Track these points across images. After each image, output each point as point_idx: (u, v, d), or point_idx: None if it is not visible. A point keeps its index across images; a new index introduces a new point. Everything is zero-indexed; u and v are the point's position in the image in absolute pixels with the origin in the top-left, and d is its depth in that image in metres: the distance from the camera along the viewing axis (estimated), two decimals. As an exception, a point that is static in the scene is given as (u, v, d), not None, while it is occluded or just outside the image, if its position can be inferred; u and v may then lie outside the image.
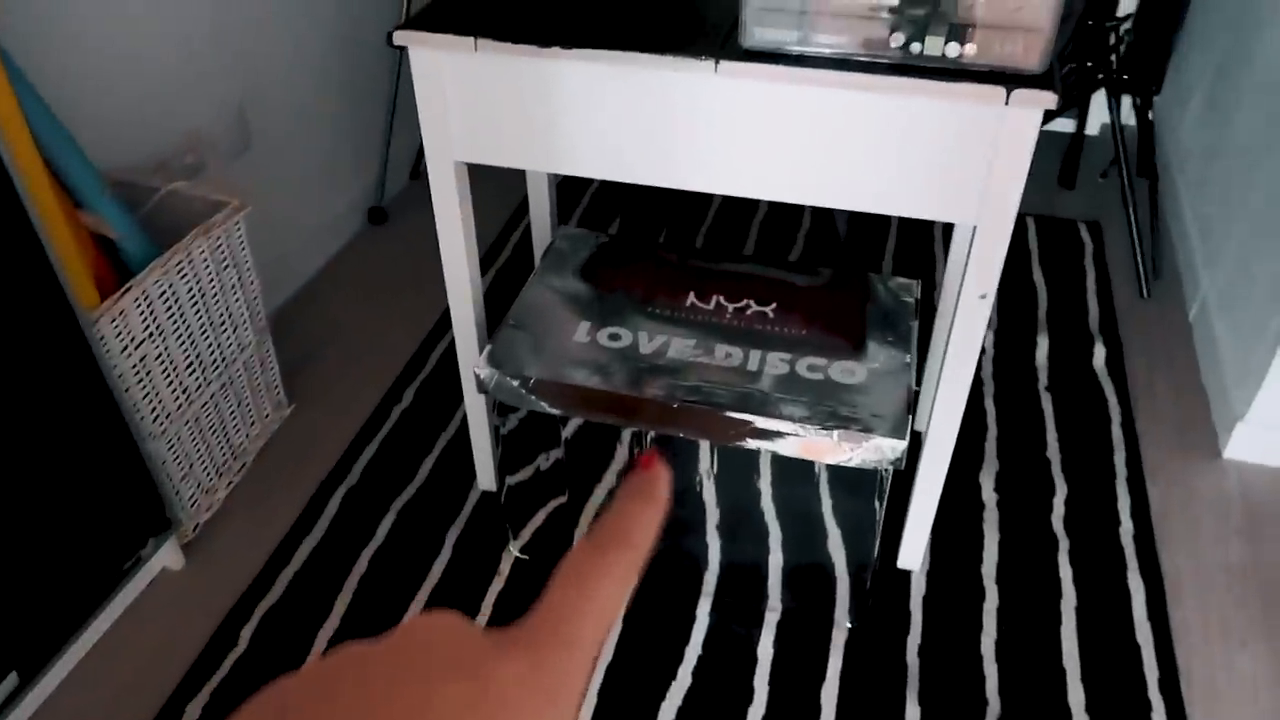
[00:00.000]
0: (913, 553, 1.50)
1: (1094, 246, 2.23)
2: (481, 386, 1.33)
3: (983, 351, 1.93)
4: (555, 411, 1.32)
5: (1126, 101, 2.17)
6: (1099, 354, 1.92)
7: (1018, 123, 1.04)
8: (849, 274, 1.51)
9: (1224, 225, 1.94)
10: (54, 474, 1.27)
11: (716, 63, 1.07)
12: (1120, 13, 2.09)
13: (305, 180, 2.10)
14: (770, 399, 1.26)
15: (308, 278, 2.16)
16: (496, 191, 2.46)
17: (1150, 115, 2.03)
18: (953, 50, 1.03)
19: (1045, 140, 2.52)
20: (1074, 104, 2.14)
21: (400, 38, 1.15)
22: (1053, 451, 1.72)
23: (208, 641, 1.41)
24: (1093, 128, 2.58)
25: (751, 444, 1.26)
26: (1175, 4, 2.35)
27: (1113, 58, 1.99)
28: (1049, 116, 2.14)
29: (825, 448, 1.23)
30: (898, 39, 1.04)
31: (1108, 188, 2.43)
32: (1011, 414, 1.79)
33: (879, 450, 1.21)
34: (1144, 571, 1.50)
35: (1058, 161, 2.49)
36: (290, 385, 1.86)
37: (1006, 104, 1.02)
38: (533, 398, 1.31)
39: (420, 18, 1.17)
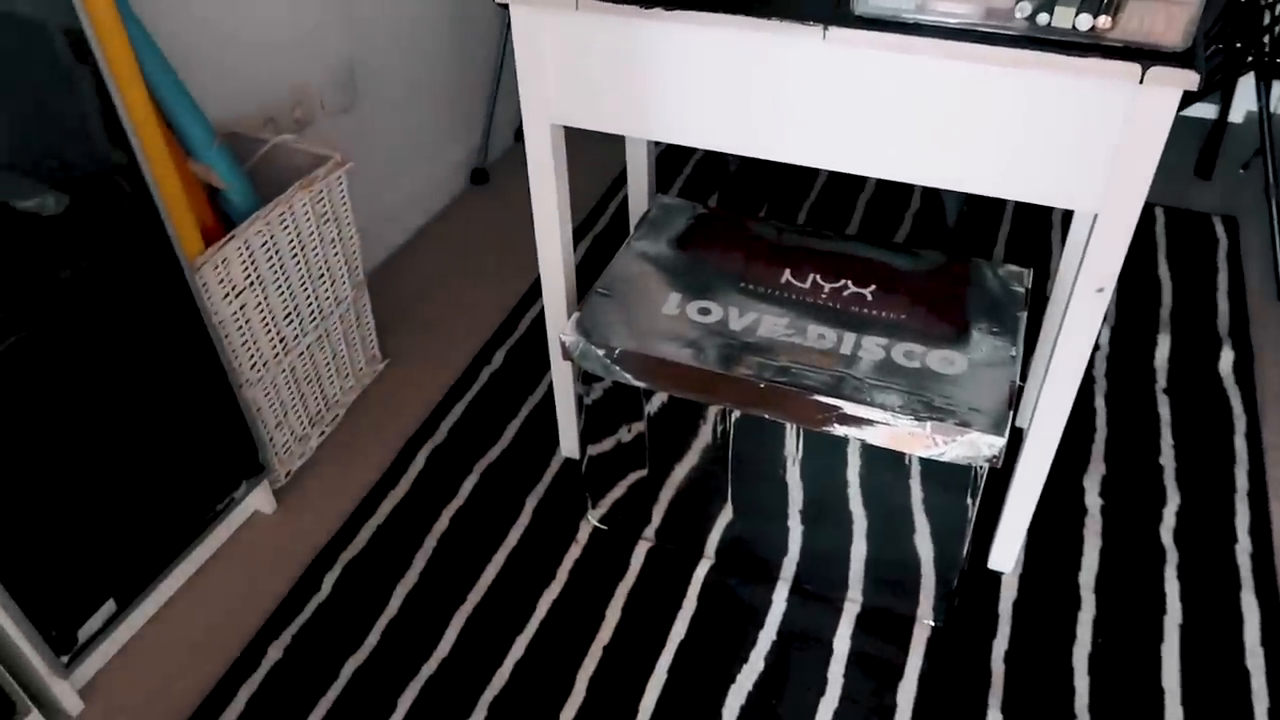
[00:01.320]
0: (1005, 554, 1.43)
1: (1229, 243, 2.08)
2: (567, 354, 1.32)
3: (1096, 348, 1.82)
4: (639, 384, 1.29)
5: (1278, 88, 2.00)
6: (1226, 358, 1.79)
7: (1152, 104, 0.96)
8: (955, 258, 1.44)
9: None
10: (155, 414, 1.31)
11: (825, 28, 1.02)
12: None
13: (410, 138, 2.12)
14: (862, 385, 1.21)
15: (408, 235, 2.19)
16: (597, 158, 2.43)
17: (1304, 103, 1.87)
18: (1084, 22, 0.95)
19: (1182, 126, 2.36)
20: (1217, 88, 1.99)
21: (503, -5, 1.13)
22: (1167, 459, 1.61)
23: (293, 586, 1.45)
24: (1237, 115, 2.40)
25: (839, 430, 1.21)
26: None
27: (1265, 39, 1.83)
28: (1188, 99, 2.00)
29: (917, 439, 1.18)
30: (1024, 8, 0.97)
31: (1249, 181, 2.26)
32: (1124, 416, 1.69)
33: (974, 446, 1.15)
34: (1260, 594, 1.40)
35: (1195, 150, 2.33)
36: (384, 341, 1.89)
37: (1141, 83, 0.94)
38: (617, 368, 1.29)
39: (524, -25, 1.15)
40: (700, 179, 2.35)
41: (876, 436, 1.20)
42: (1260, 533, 1.49)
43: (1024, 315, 1.33)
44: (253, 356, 1.47)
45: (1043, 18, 0.97)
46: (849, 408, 1.19)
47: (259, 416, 1.51)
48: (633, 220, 1.78)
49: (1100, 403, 1.72)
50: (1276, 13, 1.83)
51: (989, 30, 0.99)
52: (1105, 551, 1.47)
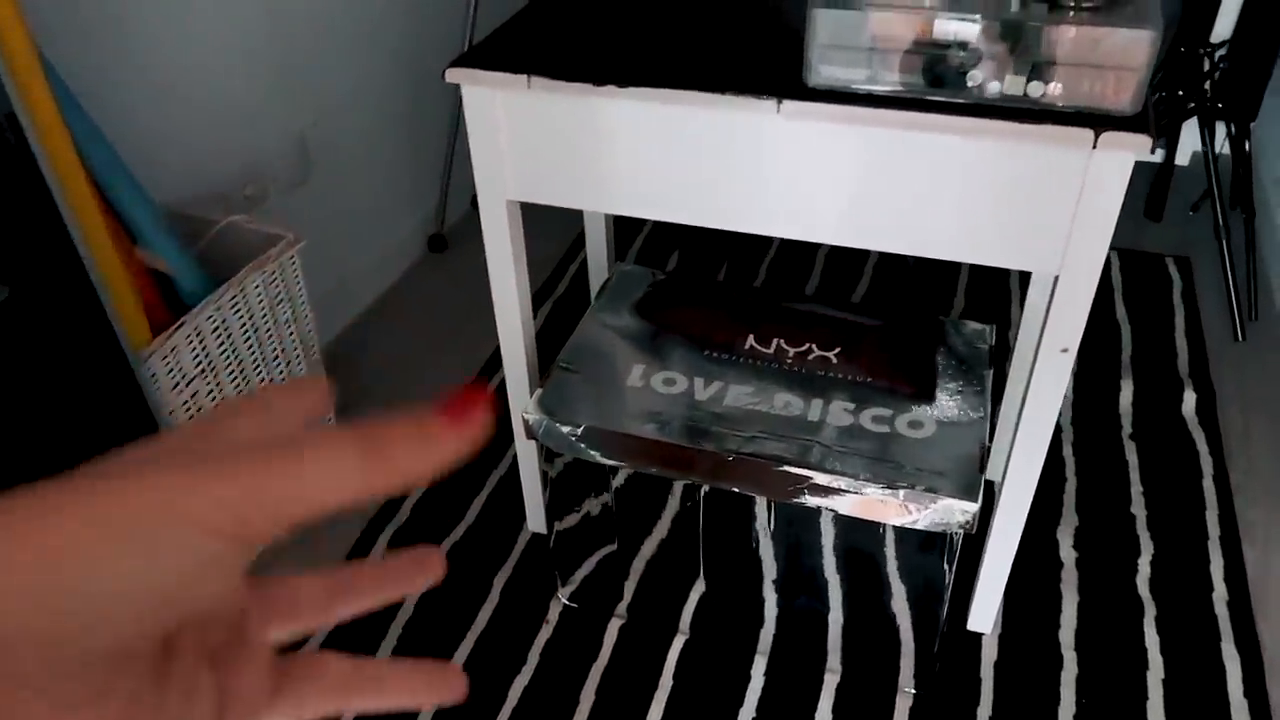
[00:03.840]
0: (984, 615, 1.41)
1: (1183, 284, 2.11)
2: (530, 432, 1.28)
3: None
4: (606, 461, 1.27)
5: (1220, 132, 2.05)
6: (1189, 400, 1.80)
7: (1106, 168, 0.96)
8: (918, 317, 1.43)
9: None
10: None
11: (779, 102, 1.01)
12: (1216, 38, 1.97)
13: (365, 208, 2.10)
14: (831, 453, 1.19)
15: (366, 306, 2.15)
16: (555, 219, 2.42)
17: (1247, 145, 1.91)
18: (1035, 89, 0.96)
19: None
20: (1163, 133, 2.02)
21: (453, 75, 1.12)
22: (1138, 507, 1.61)
23: (251, 683, 1.39)
24: (1183, 157, 2.44)
25: (810, 501, 1.19)
26: (1275, 28, 2.22)
27: (1206, 85, 1.87)
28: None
29: (889, 508, 1.16)
30: (975, 77, 0.97)
31: (1198, 221, 2.29)
32: (1092, 464, 1.68)
33: (947, 512, 1.13)
34: (1240, 643, 1.39)
35: (1144, 192, 2.37)
36: (343, 418, 1.84)
37: (1094, 147, 0.94)
38: (583, 446, 1.26)
39: (473, 54, 1.14)
40: (660, 238, 2.35)
41: (848, 506, 1.17)
42: (1235, 579, 1.48)
43: (989, 374, 1.33)
44: (205, 445, 1.42)
45: (994, 86, 0.97)
46: (819, 478, 1.17)
47: (213, 506, 1.45)
48: (593, 286, 1.76)
49: (1069, 451, 1.71)
50: (1215, 60, 1.87)
51: (942, 99, 0.99)
52: (1083, 606, 1.45)
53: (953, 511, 1.13)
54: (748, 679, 1.37)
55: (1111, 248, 2.21)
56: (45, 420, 1.15)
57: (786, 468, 1.17)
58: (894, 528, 1.20)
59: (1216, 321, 2.00)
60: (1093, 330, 1.98)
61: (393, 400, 1.89)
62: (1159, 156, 2.21)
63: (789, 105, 1.01)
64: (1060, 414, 1.77)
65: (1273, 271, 2.08)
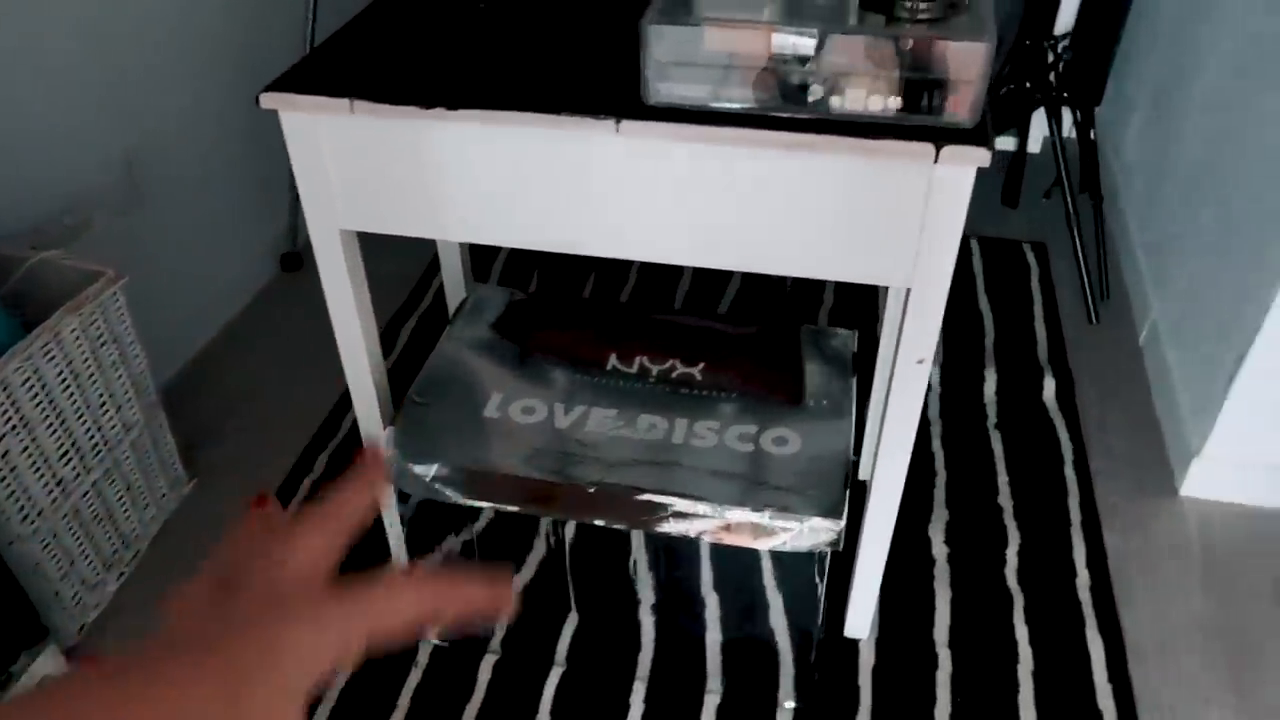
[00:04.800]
0: (860, 621, 1.40)
1: (1040, 269, 2.16)
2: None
3: (929, 388, 1.85)
4: (465, 502, 1.20)
5: (1070, 119, 2.10)
6: (1049, 387, 1.85)
7: (949, 181, 0.95)
8: (781, 327, 1.41)
9: (1172, 246, 1.87)
10: (-102, 596, 1.13)
11: (618, 122, 0.96)
12: (1059, 31, 2.02)
13: (208, 231, 1.96)
14: (694, 477, 1.16)
15: (215, 334, 2.02)
16: (411, 240, 2.32)
17: (1092, 133, 1.96)
18: (875, 104, 0.93)
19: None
20: (1014, 123, 2.07)
21: (268, 100, 1.03)
22: (1004, 498, 1.63)
23: (92, 762, 1.27)
24: (1036, 145, 2.51)
25: (673, 528, 1.15)
26: (1113, 18, 2.29)
27: (1051, 76, 1.91)
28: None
29: (754, 532, 1.13)
30: (816, 92, 0.94)
31: (1052, 207, 2.36)
32: (961, 456, 1.71)
33: (814, 533, 1.11)
34: (1103, 628, 1.42)
35: (1000, 180, 2.42)
36: (191, 458, 1.72)
37: (936, 161, 0.92)
38: (438, 487, 1.19)
39: (290, 76, 1.05)
40: (522, 255, 2.27)
41: (712, 532, 1.14)
42: (1097, 564, 1.52)
43: (853, 381, 1.32)
44: (23, 508, 1.29)
45: (835, 101, 0.94)
46: (680, 504, 1.13)
47: (38, 573, 1.33)
48: (450, 308, 1.69)
49: (937, 445, 1.73)
50: (1059, 51, 1.91)
51: (784, 115, 0.95)
52: (955, 603, 1.46)
53: (819, 532, 1.11)
54: (627, 707, 1.33)
55: (972, 236, 2.25)
56: None
57: (648, 496, 1.13)
58: (800, 552, 1.17)
59: (1073, 305, 2.06)
60: (957, 320, 2.01)
61: (246, 433, 1.78)
62: (1012, 145, 2.26)
63: (628, 125, 0.96)
64: (929, 407, 1.79)
65: (1123, 254, 2.15)
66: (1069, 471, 1.68)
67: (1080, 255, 1.99)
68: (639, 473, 1.16)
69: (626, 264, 2.21)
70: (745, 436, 1.22)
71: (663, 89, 0.96)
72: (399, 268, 2.19)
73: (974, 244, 2.23)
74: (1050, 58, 1.90)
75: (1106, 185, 2.29)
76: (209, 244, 1.97)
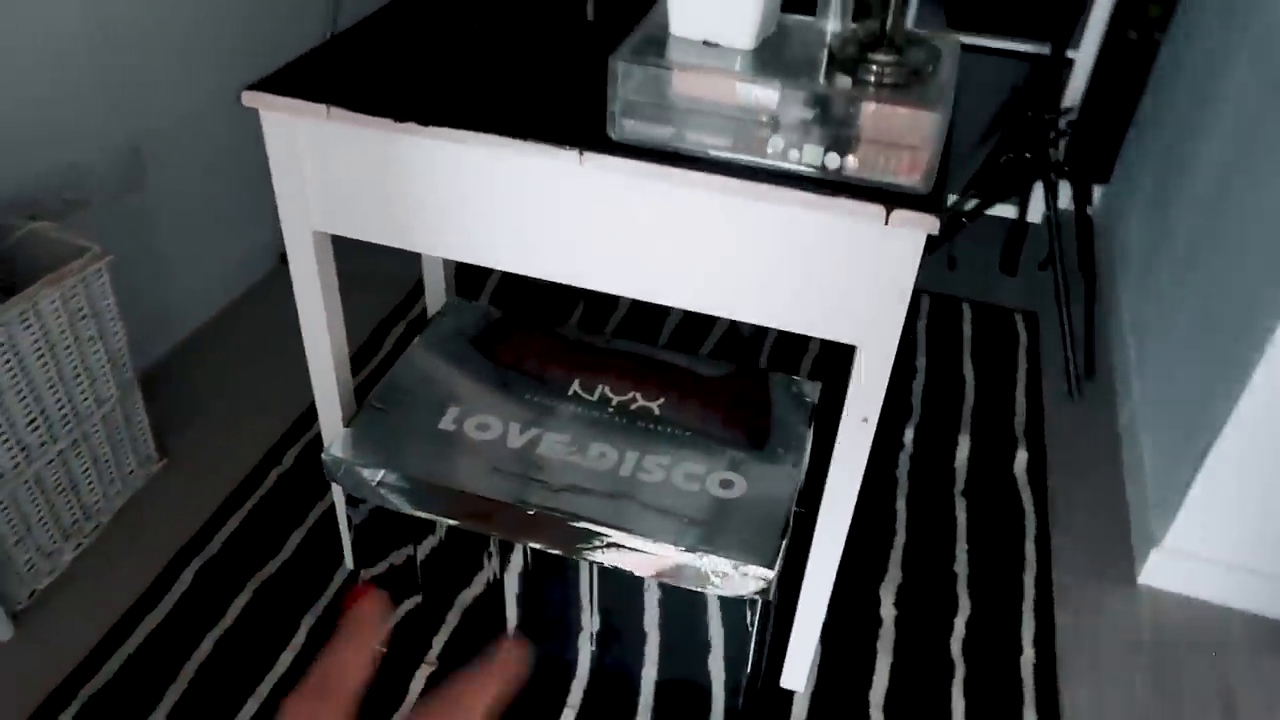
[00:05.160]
0: (796, 672, 1.40)
1: (1028, 339, 2.16)
2: (330, 474, 1.23)
3: (901, 447, 1.85)
4: (407, 510, 1.21)
5: (1066, 194, 2.11)
6: (1020, 459, 1.84)
7: (898, 243, 0.96)
8: (749, 371, 1.42)
9: (1157, 332, 1.87)
10: None
11: (581, 153, 0.99)
12: (1068, 103, 2.03)
13: (209, 218, 2.00)
14: (634, 511, 1.16)
15: (207, 320, 2.05)
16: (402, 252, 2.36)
17: (1089, 210, 1.96)
18: (832, 161, 0.95)
19: (989, 225, 2.46)
20: (1014, 192, 2.07)
21: (249, 99, 1.06)
22: (961, 565, 1.63)
23: (19, 728, 1.29)
24: (1035, 215, 2.51)
25: (606, 559, 1.16)
26: (1126, 97, 2.30)
27: (1050, 151, 1.92)
28: (981, 209, 2.08)
29: (685, 573, 1.13)
30: (776, 144, 0.96)
31: (1048, 278, 2.36)
32: (923, 520, 1.70)
33: (744, 580, 1.12)
34: (1041, 709, 1.41)
35: (1000, 247, 2.43)
36: (167, 439, 1.75)
37: (886, 223, 0.94)
38: (383, 492, 1.21)
39: (273, 79, 1.08)
40: (514, 280, 2.30)
41: (644, 567, 1.15)
42: (1044, 643, 1.50)
43: (809, 433, 1.32)
44: (-17, 469, 1.32)
45: (794, 154, 0.96)
46: (617, 536, 1.14)
47: (-9, 535, 1.35)
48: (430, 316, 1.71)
49: (901, 505, 1.73)
50: (1061, 126, 1.92)
51: (745, 163, 0.97)
52: (896, 666, 1.45)
53: (749, 580, 1.12)
54: (553, 734, 1.34)
55: (965, 300, 2.25)
56: None
57: (585, 524, 1.14)
58: (730, 596, 1.17)
59: (1056, 379, 2.05)
60: (938, 383, 2.01)
61: (224, 420, 1.80)
62: (1013, 213, 2.27)
63: (590, 157, 0.98)
64: (898, 466, 1.79)
65: (1113, 333, 2.14)
66: (1029, 546, 1.67)
67: (1068, 331, 1.99)
68: (580, 500, 1.17)
69: (616, 296, 2.23)
70: (692, 476, 1.23)
71: (628, 126, 0.98)
72: (395, 271, 2.22)
73: (965, 308, 2.23)
74: (1053, 131, 1.91)
75: (1105, 263, 2.29)
76: (208, 233, 2.01)
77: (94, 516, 1.56)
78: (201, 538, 1.57)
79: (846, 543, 1.64)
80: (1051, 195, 1.93)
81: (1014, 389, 2.02)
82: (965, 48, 2.19)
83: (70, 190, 1.63)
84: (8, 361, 1.31)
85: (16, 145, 1.53)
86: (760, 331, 2.13)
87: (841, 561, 1.61)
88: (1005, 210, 2.31)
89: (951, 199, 2.14)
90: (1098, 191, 2.47)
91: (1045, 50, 2.05)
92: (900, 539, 1.66)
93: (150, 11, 1.71)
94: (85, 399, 1.47)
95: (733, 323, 2.13)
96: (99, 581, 1.50)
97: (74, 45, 1.58)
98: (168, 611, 1.45)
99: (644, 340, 2.06)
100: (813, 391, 1.39)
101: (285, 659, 1.40)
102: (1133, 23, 2.30)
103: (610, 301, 2.19)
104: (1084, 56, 2.16)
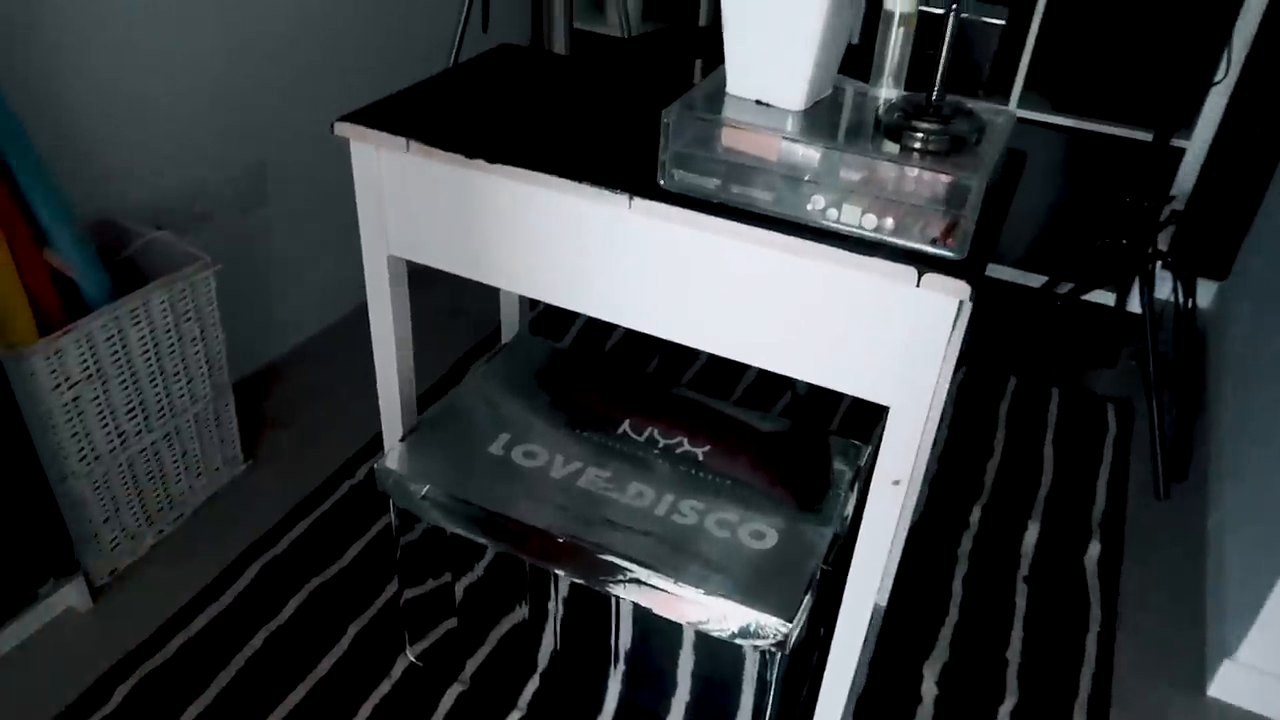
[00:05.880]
0: (822, 739, 1.37)
1: (1118, 430, 2.08)
2: (380, 484, 1.29)
3: (966, 526, 1.80)
4: (446, 526, 1.27)
5: (1168, 284, 2.03)
6: (1093, 550, 1.77)
7: (930, 307, 0.96)
8: (801, 428, 1.43)
9: (1260, 436, 1.77)
10: (-48, 500, 1.28)
11: (631, 198, 1.03)
12: (1173, 192, 1.97)
13: (324, 241, 2.14)
14: (660, 551, 1.18)
15: (312, 335, 2.19)
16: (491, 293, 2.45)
17: (1192, 303, 1.89)
18: (870, 222, 0.97)
19: (1089, 311, 2.39)
20: (1111, 279, 2.02)
21: (341, 129, 1.15)
22: (1014, 652, 1.57)
23: (81, 694, 1.39)
24: (1135, 304, 2.43)
25: (625, 593, 1.18)
26: (1248, 193, 2.21)
27: (1148, 245, 1.87)
28: (1076, 293, 2.03)
29: (700, 611, 1.14)
30: (817, 201, 0.99)
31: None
32: (980, 601, 1.65)
33: (759, 627, 1.12)
34: (1079, 811, 1.34)
35: (1101, 334, 2.35)
36: (255, 442, 1.86)
37: (918, 286, 0.94)
38: (425, 506, 1.26)
39: (362, 112, 1.17)
40: (596, 326, 2.36)
41: (666, 607, 1.16)
42: (1093, 744, 1.43)
43: (851, 496, 1.31)
44: (82, 450, 1.44)
45: (833, 213, 0.98)
46: (640, 572, 1.16)
47: (82, 511, 1.47)
48: (508, 349, 1.77)
49: (958, 585, 1.68)
50: (1166, 214, 1.87)
51: (787, 218, 1.00)
52: (928, 747, 1.41)
53: (766, 628, 1.12)
54: (570, 768, 1.35)
55: (1054, 385, 2.19)
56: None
57: (610, 558, 1.17)
58: (748, 645, 1.17)
59: (1144, 475, 1.97)
60: (1013, 464, 1.96)
61: (312, 429, 1.91)
62: (1111, 301, 2.20)
63: (639, 203, 1.03)
64: (959, 545, 1.75)
65: (1211, 435, 2.04)
66: (1091, 641, 1.59)
67: (1156, 426, 1.91)
68: (610, 534, 1.20)
69: (694, 351, 2.26)
70: (725, 523, 1.24)
71: (676, 175, 1.03)
72: (481, 309, 2.32)
73: (1054, 393, 2.17)
74: (1155, 219, 1.86)
75: (1213, 361, 2.19)
76: (317, 255, 2.15)
77: (177, 506, 1.67)
78: (270, 538, 1.66)
79: (894, 614, 1.61)
80: (1148, 286, 1.87)
81: (1095, 480, 1.94)
82: (1075, 132, 2.16)
83: (199, 204, 1.79)
84: (115, 352, 1.44)
85: (157, 160, 1.68)
86: (818, 392, 2.12)
87: (887, 632, 1.58)
88: (1103, 296, 2.25)
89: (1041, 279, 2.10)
90: (1212, 287, 2.38)
91: (1149, 137, 2.01)
92: (952, 618, 1.62)
93: (284, 38, 1.87)
94: (182, 395, 1.59)
95: (792, 380, 2.13)
96: (172, 568, 1.60)
97: (211, 67, 1.74)
98: (229, 603, 1.54)
99: (726, 385, 2.08)
100: (861, 454, 1.38)
101: (326, 663, 1.46)
102: (1258, 116, 2.22)
103: (687, 357, 2.23)
104: (1196, 146, 2.10)
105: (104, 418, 1.46)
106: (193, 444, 1.65)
